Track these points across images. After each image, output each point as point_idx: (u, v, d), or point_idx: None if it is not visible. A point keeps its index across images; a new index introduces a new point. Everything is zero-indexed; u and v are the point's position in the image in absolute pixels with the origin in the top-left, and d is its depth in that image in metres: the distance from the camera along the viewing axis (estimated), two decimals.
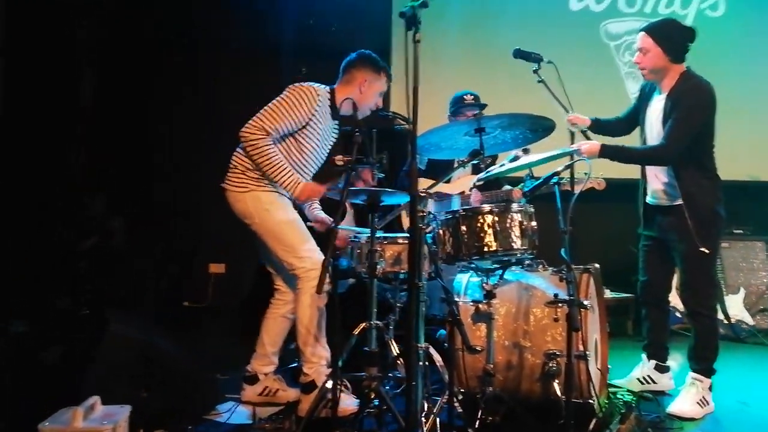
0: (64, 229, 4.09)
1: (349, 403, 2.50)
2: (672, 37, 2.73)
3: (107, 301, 3.96)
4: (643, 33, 2.77)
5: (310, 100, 2.61)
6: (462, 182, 3.59)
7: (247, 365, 2.78)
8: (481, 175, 2.80)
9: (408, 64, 1.93)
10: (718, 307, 4.26)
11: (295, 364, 2.89)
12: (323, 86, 2.72)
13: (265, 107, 2.61)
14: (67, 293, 3.86)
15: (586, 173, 2.51)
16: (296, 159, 2.68)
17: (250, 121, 2.58)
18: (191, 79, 4.43)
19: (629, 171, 3.04)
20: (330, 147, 2.84)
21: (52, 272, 3.90)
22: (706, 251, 2.70)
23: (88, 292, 3.97)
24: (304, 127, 2.63)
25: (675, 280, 2.99)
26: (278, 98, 2.63)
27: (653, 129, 2.81)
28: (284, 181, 2.58)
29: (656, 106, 2.80)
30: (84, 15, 4.13)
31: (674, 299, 3.07)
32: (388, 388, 2.54)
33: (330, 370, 2.47)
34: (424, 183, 3.01)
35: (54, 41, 3.97)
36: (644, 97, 2.92)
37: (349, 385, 2.60)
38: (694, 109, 2.67)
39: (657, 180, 2.86)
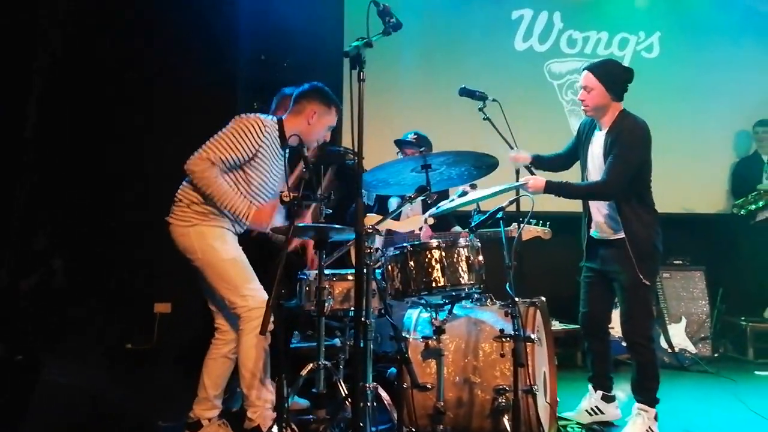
0: (3, 269, 3.89)
1: None
2: (613, 75, 2.85)
3: (45, 344, 3.77)
4: (586, 71, 2.88)
5: (256, 131, 2.58)
6: (412, 220, 3.61)
7: (190, 411, 2.67)
8: (432, 210, 2.83)
9: (353, 103, 1.96)
10: (662, 336, 4.40)
11: (239, 407, 2.79)
12: (270, 117, 2.70)
13: (210, 139, 2.58)
14: (2, 338, 3.65)
15: (532, 221, 2.60)
16: (244, 190, 2.63)
17: (195, 153, 2.55)
18: (142, 113, 4.34)
19: (574, 205, 3.13)
20: (280, 178, 2.81)
21: None
22: (648, 284, 2.79)
23: (26, 336, 3.76)
24: (251, 159, 2.60)
25: (615, 312, 3.07)
26: (224, 130, 2.60)
27: (596, 164, 2.91)
28: (235, 208, 2.54)
29: (598, 142, 2.91)
30: (34, 49, 4.02)
31: (618, 330, 3.13)
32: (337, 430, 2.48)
33: (275, 414, 2.40)
34: (372, 219, 3.02)
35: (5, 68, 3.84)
36: (584, 134, 3.03)
37: (296, 428, 2.52)
38: (632, 147, 2.78)
39: (599, 214, 2.95)
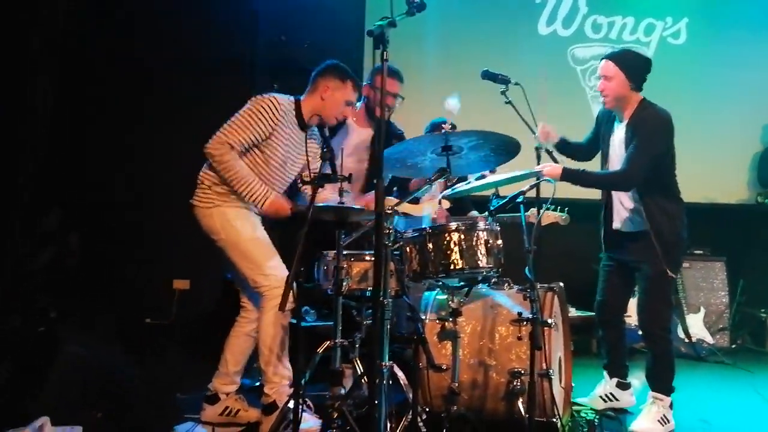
0: (19, 245, 3.95)
1: (311, 423, 2.46)
2: (634, 65, 2.80)
3: (64, 318, 3.84)
4: (606, 60, 2.82)
5: (271, 110, 2.61)
6: (428, 204, 3.58)
7: (209, 384, 2.72)
8: (447, 192, 2.82)
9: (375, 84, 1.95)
10: (680, 326, 4.37)
11: (258, 383, 2.84)
12: (286, 97, 2.72)
13: (228, 121, 2.61)
14: (19, 311, 3.72)
15: (549, 206, 2.58)
16: (263, 171, 2.67)
17: (214, 137, 2.58)
18: (161, 94, 4.35)
19: (594, 192, 3.09)
20: (301, 159, 2.81)
21: (5, 289, 3.76)
22: (673, 275, 2.76)
23: (43, 310, 3.83)
24: (268, 138, 2.62)
25: (632, 301, 3.05)
26: (240, 111, 2.63)
27: (617, 158, 2.85)
28: (252, 194, 2.57)
29: (618, 135, 2.86)
30: (40, 22, 4.02)
31: (634, 319, 3.11)
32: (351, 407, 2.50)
33: (292, 390, 2.43)
34: (390, 202, 3.01)
35: (7, 50, 3.85)
36: (604, 126, 2.98)
37: (311, 405, 2.56)
38: (652, 137, 2.73)
39: (622, 207, 2.90)
